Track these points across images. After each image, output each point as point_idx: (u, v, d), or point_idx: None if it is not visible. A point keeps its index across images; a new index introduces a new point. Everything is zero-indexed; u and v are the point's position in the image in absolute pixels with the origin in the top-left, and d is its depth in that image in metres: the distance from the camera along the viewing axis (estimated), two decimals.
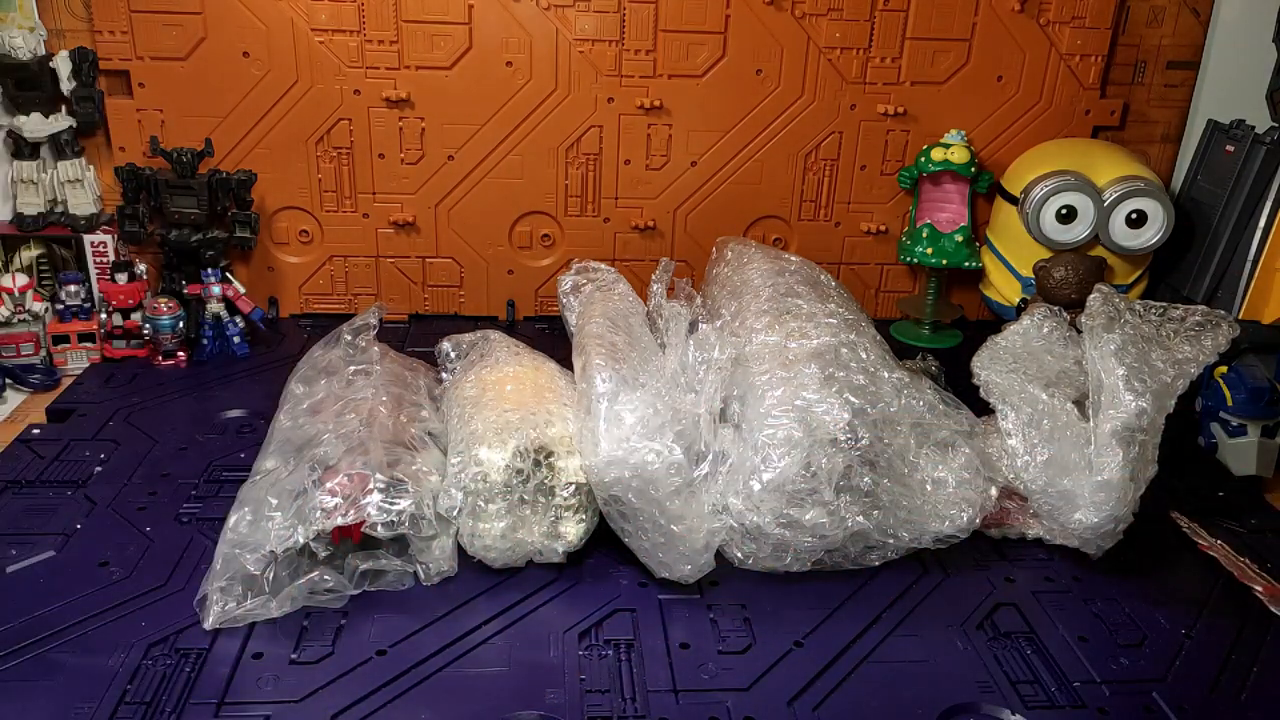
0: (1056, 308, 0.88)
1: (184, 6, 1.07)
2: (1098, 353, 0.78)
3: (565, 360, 0.88)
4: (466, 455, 0.74)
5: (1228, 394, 0.93)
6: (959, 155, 1.15)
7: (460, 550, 0.75)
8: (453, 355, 0.92)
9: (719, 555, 0.74)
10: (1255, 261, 1.04)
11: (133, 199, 1.09)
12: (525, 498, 0.73)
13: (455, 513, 0.73)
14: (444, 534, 0.74)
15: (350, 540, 0.71)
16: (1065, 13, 1.15)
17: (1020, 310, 1.13)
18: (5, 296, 1.03)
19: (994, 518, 0.80)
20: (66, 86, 1.07)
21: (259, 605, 0.68)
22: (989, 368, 0.83)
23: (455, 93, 1.13)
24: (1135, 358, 0.77)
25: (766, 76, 1.15)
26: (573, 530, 0.75)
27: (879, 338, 0.86)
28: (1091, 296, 0.83)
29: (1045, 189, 1.10)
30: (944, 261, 1.17)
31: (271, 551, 0.67)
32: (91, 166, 1.11)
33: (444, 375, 0.92)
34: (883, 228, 1.23)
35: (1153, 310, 0.82)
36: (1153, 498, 0.75)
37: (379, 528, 0.70)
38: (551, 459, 0.74)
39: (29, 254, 1.10)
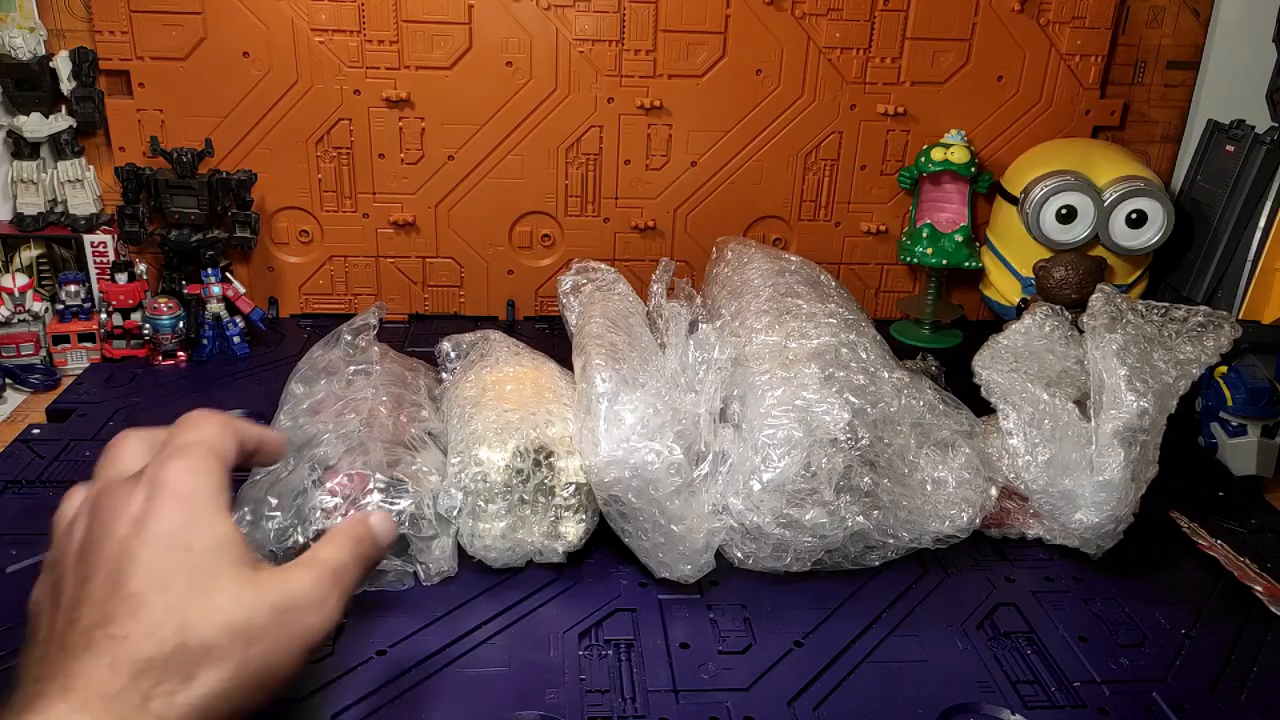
0: (1058, 306, 0.88)
1: (184, 6, 1.07)
2: (1099, 352, 0.78)
3: (565, 360, 0.88)
4: (466, 455, 0.74)
5: (1228, 394, 0.93)
6: (959, 155, 1.15)
7: (460, 550, 0.75)
8: (453, 355, 0.92)
9: (719, 555, 0.74)
10: (1255, 261, 1.04)
11: (133, 199, 1.09)
12: (525, 498, 0.73)
13: (455, 513, 0.73)
14: (444, 534, 0.74)
15: None
16: (1065, 13, 1.15)
17: (1020, 310, 1.13)
18: (5, 296, 1.03)
19: (994, 518, 0.80)
20: (66, 86, 1.07)
21: None
22: (990, 367, 0.83)
23: (455, 93, 1.13)
24: (1137, 358, 0.77)
25: (766, 76, 1.15)
26: (573, 530, 0.74)
27: (879, 338, 0.86)
28: (1094, 296, 0.83)
29: (1045, 189, 1.10)
30: (944, 261, 1.17)
31: (271, 551, 0.67)
32: (91, 166, 1.11)
33: (444, 375, 0.91)
34: (883, 228, 1.23)
35: (1155, 310, 0.82)
36: (1153, 498, 0.75)
37: None
38: (552, 459, 0.74)
39: (29, 254, 1.10)
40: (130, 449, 0.50)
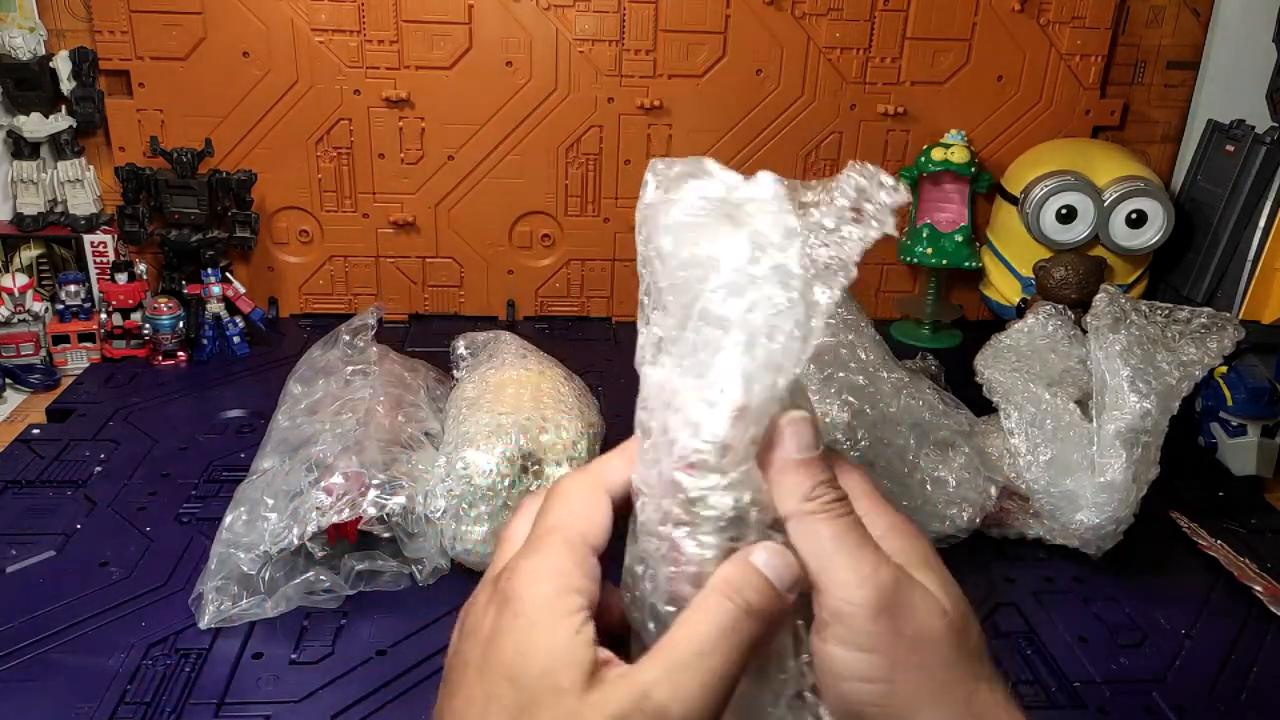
0: (1060, 306, 0.88)
1: (184, 6, 1.07)
2: (1103, 353, 0.78)
3: (571, 362, 0.88)
4: (454, 456, 0.73)
5: (1228, 394, 0.93)
6: (959, 155, 1.15)
7: None
8: (465, 354, 0.90)
9: None
10: (1255, 261, 1.04)
11: (133, 199, 1.09)
12: (510, 503, 0.72)
13: (439, 514, 0.72)
14: (434, 534, 0.73)
15: (347, 540, 0.71)
16: (1065, 13, 1.15)
17: (1021, 310, 1.13)
18: (5, 296, 1.03)
19: (994, 518, 0.80)
20: (66, 86, 1.07)
21: (254, 605, 0.68)
22: (992, 366, 0.83)
23: (455, 93, 1.13)
24: (1140, 359, 0.76)
25: (766, 76, 1.15)
26: None
27: (879, 338, 0.86)
28: (1098, 297, 0.83)
29: (1045, 189, 1.10)
30: (944, 261, 1.17)
31: (266, 551, 0.67)
32: (91, 166, 1.11)
33: (455, 374, 0.90)
34: None
35: (1159, 312, 0.82)
36: (1153, 498, 0.75)
37: (374, 525, 0.70)
38: (540, 466, 0.73)
39: (29, 254, 1.10)
40: (520, 525, 0.39)
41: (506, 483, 0.72)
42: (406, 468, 0.73)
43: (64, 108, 1.09)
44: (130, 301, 1.05)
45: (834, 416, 0.74)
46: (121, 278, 1.06)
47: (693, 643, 0.32)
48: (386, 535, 0.71)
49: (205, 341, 1.08)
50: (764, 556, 0.34)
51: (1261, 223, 1.04)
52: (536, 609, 0.34)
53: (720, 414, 0.33)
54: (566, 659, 0.33)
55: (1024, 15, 1.15)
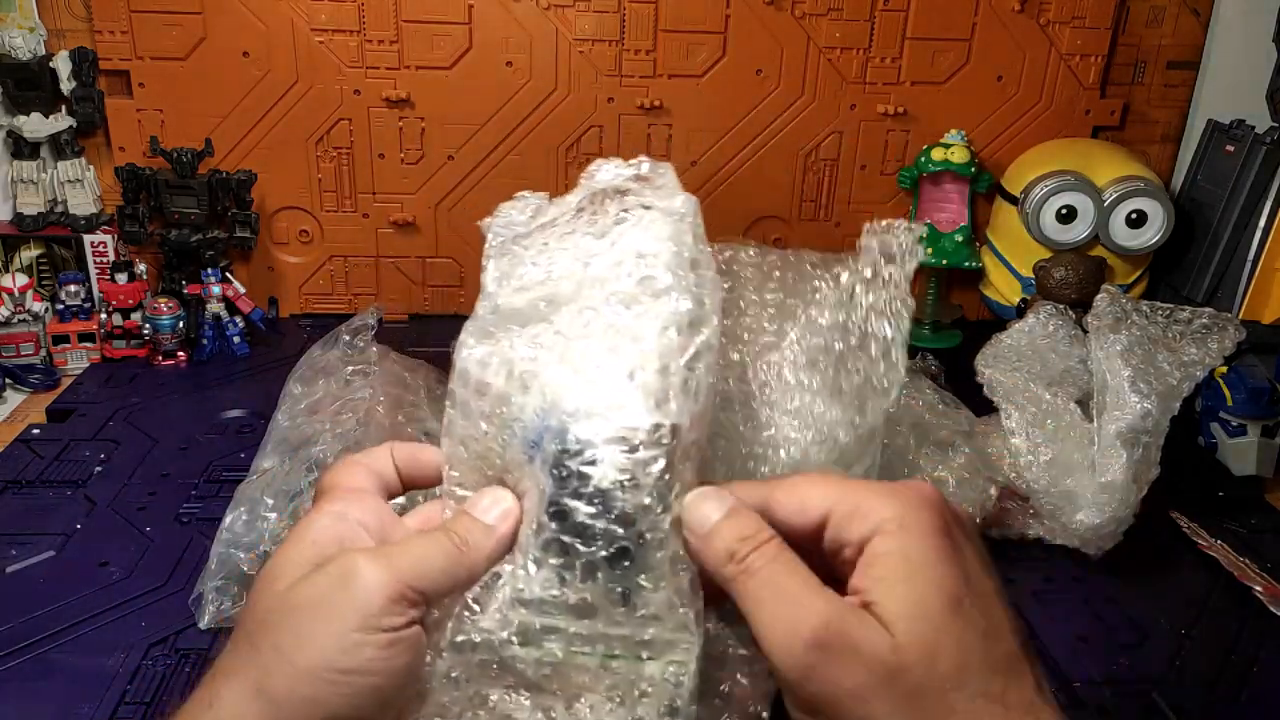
0: (1061, 306, 0.88)
1: (184, 6, 1.07)
2: (1104, 353, 0.78)
3: None
4: None
5: (1228, 394, 0.93)
6: (959, 155, 1.15)
7: None
8: None
9: None
10: (1255, 261, 1.04)
11: (133, 199, 1.09)
12: None
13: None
14: None
15: None
16: (1065, 13, 1.15)
17: (1021, 310, 1.13)
18: (5, 296, 1.03)
19: (994, 518, 0.80)
20: (66, 86, 1.07)
21: None
22: (993, 366, 0.83)
23: (455, 93, 1.13)
24: (1141, 359, 0.76)
25: (766, 76, 1.15)
26: None
27: None
28: (1099, 297, 0.83)
29: (1045, 189, 1.10)
30: (944, 261, 1.17)
31: (266, 551, 0.67)
32: (91, 166, 1.11)
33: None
34: None
35: (1159, 312, 0.82)
36: (1153, 498, 0.75)
37: None
38: None
39: (29, 254, 1.10)
40: None
41: None
42: None
43: (64, 108, 1.09)
44: (130, 301, 1.05)
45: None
46: (121, 278, 1.06)
47: (416, 539, 0.43)
48: None
49: (205, 341, 1.08)
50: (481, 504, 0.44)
51: (1261, 223, 1.04)
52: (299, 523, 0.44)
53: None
54: (307, 535, 0.43)
55: (1024, 15, 1.15)
